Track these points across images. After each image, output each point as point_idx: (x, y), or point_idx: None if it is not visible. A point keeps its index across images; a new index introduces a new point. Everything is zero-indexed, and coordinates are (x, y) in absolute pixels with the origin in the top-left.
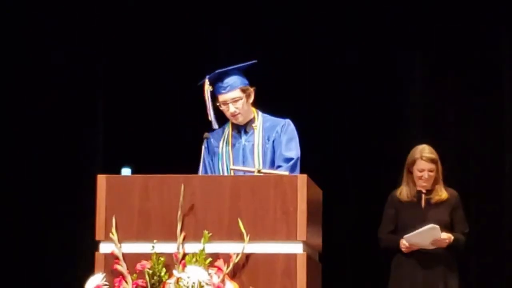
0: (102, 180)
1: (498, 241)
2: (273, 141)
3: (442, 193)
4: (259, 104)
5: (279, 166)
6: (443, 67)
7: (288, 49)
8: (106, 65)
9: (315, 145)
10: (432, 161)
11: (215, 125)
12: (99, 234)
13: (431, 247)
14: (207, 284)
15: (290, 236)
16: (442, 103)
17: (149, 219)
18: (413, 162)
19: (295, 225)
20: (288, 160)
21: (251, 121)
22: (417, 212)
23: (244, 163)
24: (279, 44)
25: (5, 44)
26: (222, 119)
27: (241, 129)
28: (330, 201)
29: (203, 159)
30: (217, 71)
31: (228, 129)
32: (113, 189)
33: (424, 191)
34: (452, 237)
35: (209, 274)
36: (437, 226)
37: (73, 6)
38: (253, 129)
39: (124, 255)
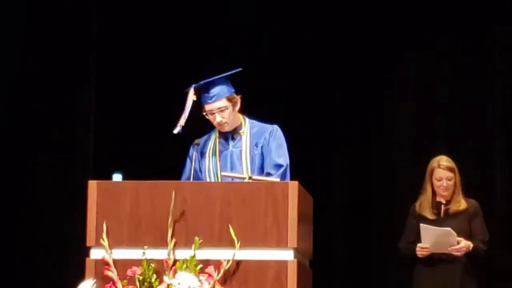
0: (93, 185)
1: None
2: (262, 147)
3: (461, 204)
4: (249, 110)
5: (268, 173)
6: (435, 75)
7: (278, 54)
8: (97, 70)
9: (306, 151)
10: (450, 169)
11: (177, 131)
12: (89, 240)
13: (444, 251)
14: None
15: (280, 243)
16: (434, 109)
17: (140, 225)
18: (432, 171)
19: (286, 232)
20: (278, 166)
21: (238, 127)
22: (436, 223)
23: (232, 169)
24: (269, 49)
25: None
26: (209, 125)
27: (228, 135)
28: (321, 208)
29: (187, 165)
30: (203, 82)
31: (215, 135)
32: (104, 194)
33: (443, 201)
34: (472, 245)
35: (199, 280)
36: (454, 233)
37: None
38: (240, 135)
39: (114, 261)
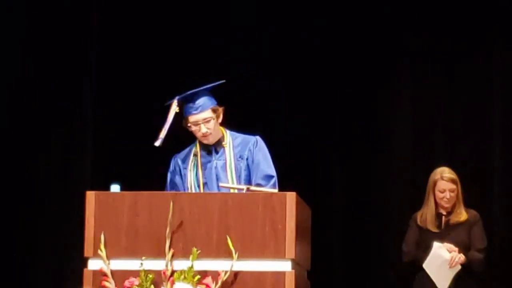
0: (91, 196)
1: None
2: (247, 159)
3: (461, 215)
4: (247, 121)
5: (259, 184)
6: (432, 78)
7: (277, 55)
8: (97, 77)
9: (304, 162)
10: (452, 181)
11: (158, 143)
12: (87, 250)
13: (455, 271)
14: None
15: (278, 254)
16: (432, 115)
17: (137, 236)
18: (434, 183)
19: (284, 243)
20: (269, 177)
21: (221, 139)
22: (437, 234)
23: (217, 181)
24: (269, 49)
25: None
26: (189, 138)
27: (211, 148)
28: (318, 219)
29: (170, 180)
30: (188, 92)
31: (195, 149)
32: (102, 205)
33: (444, 213)
34: (462, 258)
35: None
36: (439, 244)
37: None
38: (224, 147)
39: (112, 271)
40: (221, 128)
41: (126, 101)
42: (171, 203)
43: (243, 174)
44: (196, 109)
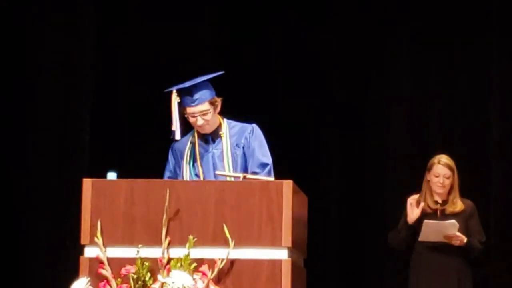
0: (87, 184)
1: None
2: (243, 147)
3: (457, 205)
4: (243, 109)
5: (254, 172)
6: (431, 73)
7: (274, 53)
8: (93, 67)
9: (300, 150)
10: (448, 167)
11: (177, 136)
12: (84, 238)
13: (442, 240)
14: None
15: (275, 242)
16: (430, 108)
17: (134, 223)
18: (430, 167)
19: (280, 231)
20: (264, 165)
21: (218, 128)
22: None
23: (214, 170)
24: (265, 48)
25: None
26: (186, 126)
27: (208, 137)
28: (315, 206)
29: (168, 167)
30: (185, 85)
31: (193, 138)
32: (99, 193)
33: (440, 201)
34: (465, 239)
35: (193, 279)
36: (457, 225)
37: None
38: (220, 136)
39: (109, 259)
40: (219, 116)
41: (124, 88)
42: (168, 191)
43: (240, 162)
44: (194, 101)
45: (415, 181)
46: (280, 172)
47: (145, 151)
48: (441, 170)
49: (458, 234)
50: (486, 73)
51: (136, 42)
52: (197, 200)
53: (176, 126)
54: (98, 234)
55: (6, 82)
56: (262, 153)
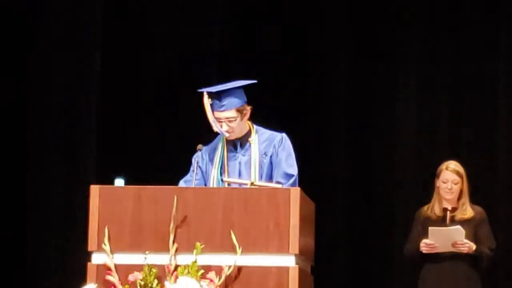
0: (95, 190)
1: None
2: (271, 156)
3: (467, 211)
4: (254, 117)
5: (279, 182)
6: (438, 80)
7: (283, 62)
8: (101, 72)
9: (308, 157)
10: (457, 173)
11: (226, 134)
12: (91, 244)
13: (451, 249)
14: None
15: (282, 249)
16: (437, 111)
17: (141, 230)
18: (439, 174)
19: (288, 238)
20: (289, 176)
21: (247, 135)
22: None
23: (240, 177)
24: (275, 56)
25: None
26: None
27: (237, 143)
28: (322, 214)
29: (193, 170)
30: (216, 89)
31: (222, 143)
32: (106, 199)
33: (449, 208)
34: (474, 247)
35: (201, 286)
36: (463, 231)
37: None
38: (249, 143)
39: (116, 266)
40: (249, 123)
41: (132, 94)
42: (175, 198)
43: (266, 171)
44: (221, 107)
45: (424, 189)
46: None
47: (153, 158)
48: (449, 175)
49: (466, 240)
50: (495, 79)
51: (145, 46)
52: (205, 206)
53: (216, 126)
54: (106, 240)
55: (14, 89)
56: (289, 164)
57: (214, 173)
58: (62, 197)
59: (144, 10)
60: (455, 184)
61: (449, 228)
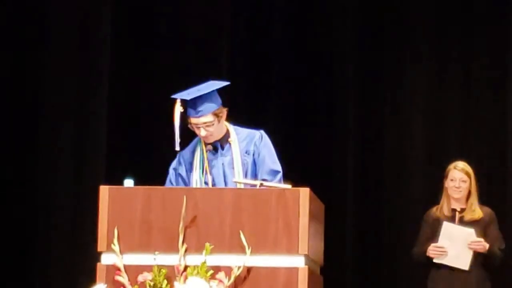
0: (104, 191)
1: None
2: (253, 155)
3: (476, 212)
4: (258, 116)
5: (264, 179)
6: (447, 80)
7: (284, 60)
8: (110, 73)
9: (317, 158)
10: (465, 172)
11: (177, 147)
12: (101, 245)
13: (458, 255)
14: None
15: (291, 250)
16: (445, 112)
17: (151, 230)
18: (447, 174)
19: (297, 239)
20: (275, 172)
21: (226, 135)
22: None
23: (225, 177)
24: (276, 52)
25: None
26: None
27: (217, 144)
28: (332, 214)
29: (173, 173)
30: (190, 96)
31: (200, 146)
32: (116, 200)
33: (458, 209)
34: (487, 246)
35: (210, 286)
36: (474, 233)
37: None
38: (229, 143)
39: (125, 266)
40: (226, 123)
41: (141, 95)
42: (185, 198)
43: (250, 170)
44: (197, 113)
45: (433, 190)
46: (296, 179)
47: (162, 158)
48: (457, 174)
49: (480, 239)
50: (504, 77)
51: (154, 47)
52: (214, 207)
53: (177, 136)
54: (115, 241)
55: (27, 92)
56: (273, 160)
57: (196, 176)
58: (72, 198)
59: (152, 10)
60: (463, 181)
61: (463, 227)
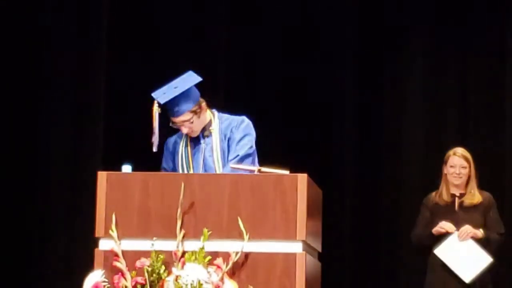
0: (102, 176)
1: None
2: (228, 139)
3: (475, 197)
4: (255, 104)
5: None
6: (445, 72)
7: (281, 51)
8: (107, 60)
9: (315, 144)
10: (464, 158)
11: (155, 149)
12: (98, 230)
13: (482, 266)
14: (206, 282)
15: (289, 235)
16: (443, 102)
17: (149, 216)
18: (447, 160)
19: (295, 224)
20: (241, 157)
21: (208, 125)
22: (450, 216)
23: (205, 165)
24: (272, 36)
25: None
26: None
27: (199, 134)
28: (330, 200)
29: (164, 163)
30: (165, 98)
31: (184, 135)
32: (114, 186)
33: (457, 194)
34: (480, 233)
35: (208, 272)
36: (488, 259)
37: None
38: (211, 132)
39: (123, 252)
40: (209, 112)
41: (139, 80)
42: (182, 184)
43: (227, 155)
44: (174, 113)
45: (432, 176)
46: (294, 165)
47: (160, 144)
48: (457, 160)
49: (468, 226)
50: (501, 66)
51: (151, 34)
52: (212, 193)
53: (155, 138)
54: (113, 227)
55: (22, 82)
56: (241, 144)
57: (181, 166)
58: (70, 183)
59: (151, 8)
60: (463, 167)
61: (447, 242)
